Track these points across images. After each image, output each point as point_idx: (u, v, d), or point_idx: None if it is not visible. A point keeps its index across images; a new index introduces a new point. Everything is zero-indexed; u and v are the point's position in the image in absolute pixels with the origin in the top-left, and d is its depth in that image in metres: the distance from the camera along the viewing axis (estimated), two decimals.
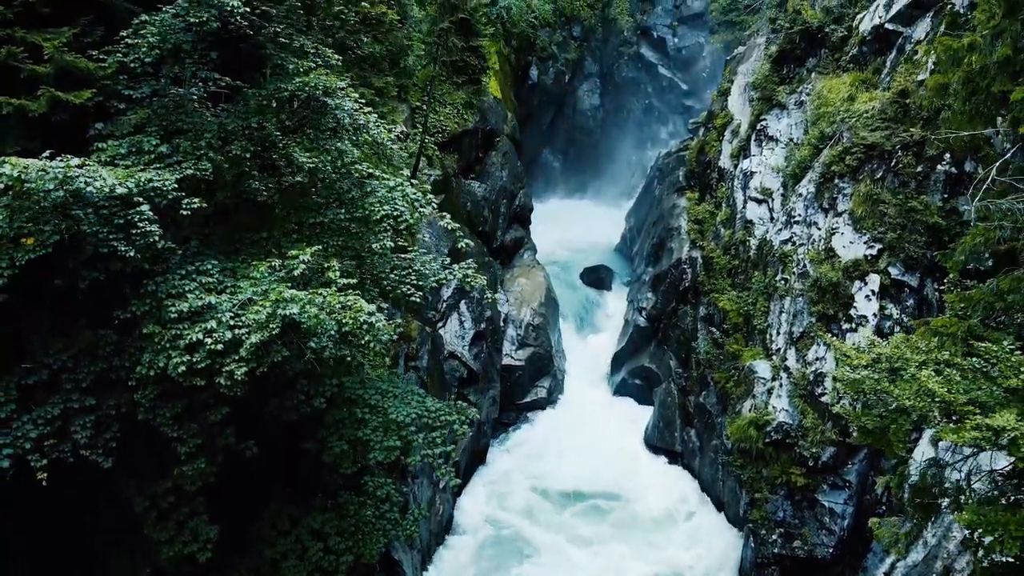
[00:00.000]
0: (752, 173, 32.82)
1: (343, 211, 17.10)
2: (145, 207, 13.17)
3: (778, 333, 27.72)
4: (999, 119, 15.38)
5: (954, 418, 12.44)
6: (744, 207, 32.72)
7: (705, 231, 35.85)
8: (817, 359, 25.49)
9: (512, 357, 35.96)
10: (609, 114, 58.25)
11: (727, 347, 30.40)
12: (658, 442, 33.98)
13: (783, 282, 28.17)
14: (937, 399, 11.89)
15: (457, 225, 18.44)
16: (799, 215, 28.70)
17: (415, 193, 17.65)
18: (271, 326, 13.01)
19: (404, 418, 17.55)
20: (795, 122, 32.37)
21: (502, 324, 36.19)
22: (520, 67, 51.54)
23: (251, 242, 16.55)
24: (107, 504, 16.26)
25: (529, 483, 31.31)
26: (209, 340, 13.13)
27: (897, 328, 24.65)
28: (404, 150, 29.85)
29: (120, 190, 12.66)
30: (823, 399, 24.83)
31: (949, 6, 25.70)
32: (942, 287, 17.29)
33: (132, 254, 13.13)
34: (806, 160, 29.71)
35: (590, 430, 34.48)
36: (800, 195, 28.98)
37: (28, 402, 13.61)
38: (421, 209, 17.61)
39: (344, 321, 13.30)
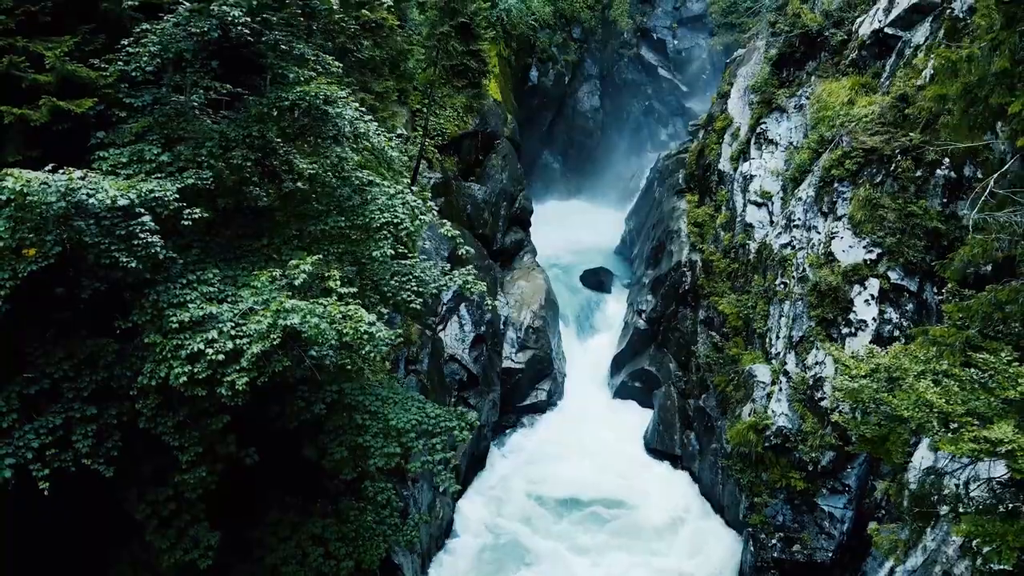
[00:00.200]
0: (752, 176, 32.84)
1: (343, 219, 17.16)
2: (147, 218, 13.23)
3: (777, 337, 27.76)
4: (999, 126, 15.42)
5: (952, 426, 12.49)
6: (744, 210, 32.75)
7: (705, 234, 35.87)
8: (816, 363, 25.53)
9: (512, 360, 35.98)
10: (609, 115, 58.24)
11: (727, 351, 30.45)
12: (658, 445, 34.02)
13: (783, 286, 28.20)
14: (935, 410, 11.94)
15: (457, 232, 18.50)
16: (799, 219, 28.73)
17: (416, 200, 17.71)
18: (272, 336, 13.06)
19: (404, 424, 17.60)
20: (795, 126, 32.40)
21: (502, 327, 36.23)
22: (520, 68, 51.59)
23: (252, 249, 16.61)
24: (107, 511, 16.31)
25: (529, 488, 31.30)
26: (210, 350, 13.18)
27: (897, 332, 24.71)
28: (404, 154, 29.91)
29: (122, 202, 12.71)
30: (822, 404, 24.87)
31: (948, 11, 25.71)
32: (941, 296, 17.31)
33: (134, 265, 13.18)
34: (806, 164, 29.73)
35: (590, 433, 34.48)
36: (800, 199, 29.02)
37: (30, 411, 13.68)
38: (422, 217, 17.67)
39: (345, 331, 13.35)
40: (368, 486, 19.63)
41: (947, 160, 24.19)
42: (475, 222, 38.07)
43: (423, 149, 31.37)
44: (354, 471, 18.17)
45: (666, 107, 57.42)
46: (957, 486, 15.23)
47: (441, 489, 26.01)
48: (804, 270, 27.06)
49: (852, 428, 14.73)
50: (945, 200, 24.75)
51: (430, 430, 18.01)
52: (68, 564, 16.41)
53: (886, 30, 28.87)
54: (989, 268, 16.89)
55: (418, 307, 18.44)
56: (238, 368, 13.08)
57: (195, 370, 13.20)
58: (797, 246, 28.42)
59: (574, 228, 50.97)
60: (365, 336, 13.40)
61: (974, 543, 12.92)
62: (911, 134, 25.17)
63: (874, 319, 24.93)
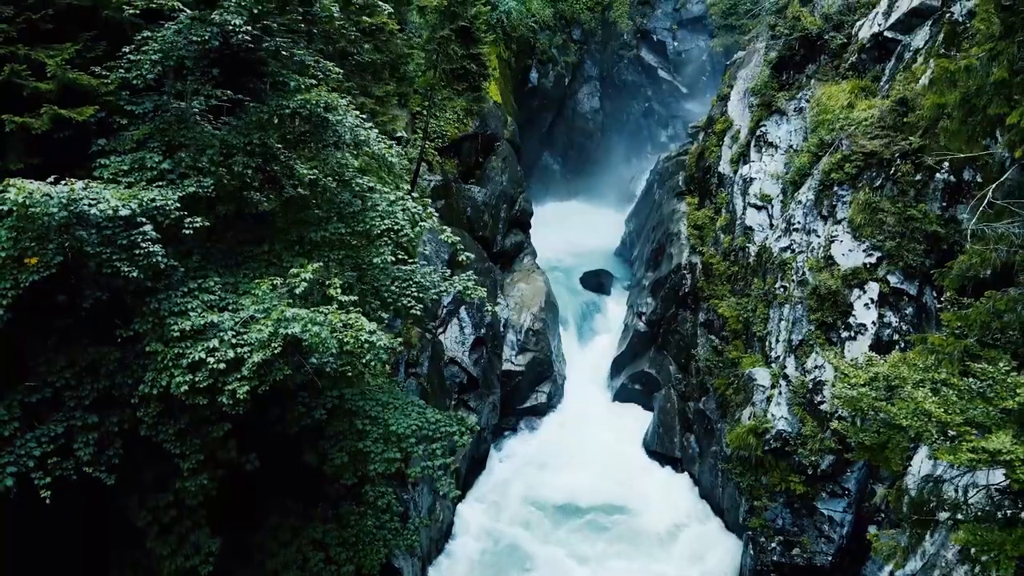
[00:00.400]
0: (752, 179, 32.87)
1: (343, 225, 17.20)
2: (148, 227, 13.27)
3: (777, 340, 27.79)
4: (998, 133, 15.45)
5: (951, 434, 12.53)
6: (743, 213, 32.78)
7: (705, 237, 35.90)
8: (816, 367, 25.55)
9: (512, 362, 36.00)
10: (609, 117, 58.24)
11: (726, 354, 30.46)
12: (657, 448, 34.05)
13: (782, 289, 28.23)
14: (933, 419, 11.98)
15: (458, 239, 18.54)
16: (798, 222, 28.76)
17: (416, 207, 17.74)
18: (273, 345, 13.10)
19: (404, 430, 17.65)
20: (794, 128, 32.42)
21: (502, 329, 36.26)
22: (520, 70, 51.62)
23: (252, 255, 16.66)
24: (108, 517, 16.35)
25: (528, 493, 31.31)
26: (211, 359, 13.23)
27: (896, 336, 24.75)
28: (404, 156, 29.94)
29: (124, 212, 12.76)
30: (822, 407, 24.90)
31: (948, 15, 25.74)
32: (941, 305, 17.35)
33: (135, 274, 13.22)
34: (805, 167, 29.76)
35: (590, 436, 34.50)
36: (799, 202, 29.05)
37: (31, 420, 13.72)
38: (422, 223, 17.71)
39: (346, 340, 13.39)
40: (369, 490, 19.68)
41: (946, 164, 24.23)
42: (475, 224, 38.10)
43: (423, 152, 31.39)
44: (354, 476, 18.20)
45: (666, 109, 57.42)
46: (956, 491, 15.28)
47: (441, 493, 26.09)
48: (804, 273, 27.09)
49: (851, 435, 14.77)
50: (945, 204, 24.79)
51: (430, 435, 18.06)
52: (69, 569, 16.44)
53: (886, 34, 28.92)
54: (988, 272, 16.91)
55: (419, 313, 18.48)
56: (239, 377, 13.13)
57: (196, 379, 13.24)
58: (797, 249, 28.44)
59: (574, 229, 50.95)
60: (366, 345, 13.44)
61: (972, 550, 12.96)
62: (911, 138, 25.21)
63: (873, 323, 24.96)
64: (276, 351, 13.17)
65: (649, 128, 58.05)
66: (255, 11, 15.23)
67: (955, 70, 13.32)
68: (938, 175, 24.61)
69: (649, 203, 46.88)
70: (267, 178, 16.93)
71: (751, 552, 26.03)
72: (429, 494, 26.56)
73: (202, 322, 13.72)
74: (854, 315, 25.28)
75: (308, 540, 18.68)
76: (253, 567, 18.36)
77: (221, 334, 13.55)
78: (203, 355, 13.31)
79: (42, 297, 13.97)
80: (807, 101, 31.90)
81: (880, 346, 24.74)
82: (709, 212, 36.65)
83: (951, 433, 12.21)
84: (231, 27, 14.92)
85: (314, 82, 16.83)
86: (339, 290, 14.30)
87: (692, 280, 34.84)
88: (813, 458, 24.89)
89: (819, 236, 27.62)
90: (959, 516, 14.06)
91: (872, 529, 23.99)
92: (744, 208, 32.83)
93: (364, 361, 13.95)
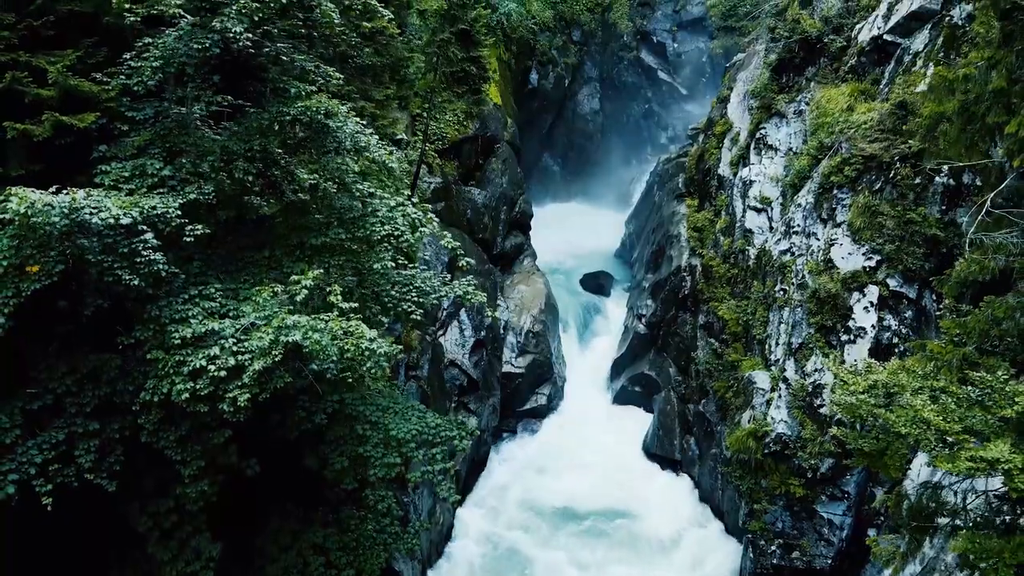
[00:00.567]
0: (751, 182, 32.89)
1: (343, 230, 17.22)
2: (149, 235, 13.31)
3: (777, 344, 27.82)
4: (996, 140, 15.47)
5: (949, 441, 12.57)
6: (743, 216, 32.81)
7: (704, 239, 35.93)
8: (816, 370, 25.58)
9: (512, 364, 36.03)
10: (609, 118, 58.24)
11: (726, 356, 30.49)
12: (657, 450, 34.08)
13: (782, 292, 28.26)
14: (932, 427, 12.02)
15: (458, 244, 18.59)
16: (798, 225, 28.79)
17: (416, 212, 17.78)
18: (274, 352, 13.13)
19: (404, 435, 17.68)
20: (794, 131, 32.44)
21: (502, 331, 36.29)
22: (520, 72, 51.63)
23: (253, 261, 16.69)
24: (109, 522, 16.39)
25: (528, 497, 31.32)
26: (212, 367, 13.26)
27: (896, 340, 24.78)
28: (404, 159, 29.98)
29: (125, 220, 12.80)
30: (822, 411, 24.93)
31: (947, 19, 25.77)
32: (940, 312, 17.39)
33: (136, 282, 13.25)
34: (805, 170, 29.79)
35: (590, 439, 34.52)
36: (799, 205, 29.08)
37: (33, 427, 13.76)
38: (422, 229, 17.74)
39: (346, 348, 13.42)
40: (369, 494, 19.71)
41: (946, 168, 24.23)
42: (475, 226, 38.12)
43: (423, 154, 31.42)
44: (355, 481, 18.25)
45: (666, 110, 57.43)
46: (956, 495, 15.31)
47: (442, 498, 26.18)
48: (803, 277, 27.12)
49: (851, 441, 14.81)
50: (944, 207, 24.84)
51: (430, 440, 18.10)
52: (69, 569, 16.44)
53: (885, 37, 28.92)
54: (988, 277, 16.93)
55: (419, 318, 18.52)
56: (240, 384, 13.16)
57: (197, 386, 13.29)
58: (796, 252, 28.48)
59: (574, 231, 50.93)
60: (366, 353, 13.47)
61: (971, 557, 12.99)
62: (910, 141, 25.22)
63: (873, 326, 24.99)
64: (277, 359, 13.20)
65: (649, 129, 58.07)
66: (256, 17, 15.24)
67: (953, 79, 13.35)
68: (937, 179, 24.64)
69: (649, 205, 46.89)
70: (267, 183, 16.97)
71: (751, 555, 26.07)
72: (429, 496, 26.60)
73: (203, 329, 13.76)
74: (854, 318, 25.31)
75: (308, 544, 18.72)
76: (254, 572, 18.40)
77: (222, 341, 13.58)
78: (204, 362, 13.34)
79: (43, 303, 14.00)
80: (807, 104, 31.92)
81: (880, 349, 24.78)
82: (709, 214, 36.68)
83: (950, 440, 12.24)
84: (232, 34, 14.94)
85: (314, 88, 16.85)
86: (339, 297, 14.33)
87: (692, 282, 34.87)
88: (813, 461, 24.93)
89: (819, 239, 27.66)
90: (958, 522, 14.10)
91: (872, 533, 24.04)
92: (744, 211, 32.85)
93: (365, 369, 13.96)
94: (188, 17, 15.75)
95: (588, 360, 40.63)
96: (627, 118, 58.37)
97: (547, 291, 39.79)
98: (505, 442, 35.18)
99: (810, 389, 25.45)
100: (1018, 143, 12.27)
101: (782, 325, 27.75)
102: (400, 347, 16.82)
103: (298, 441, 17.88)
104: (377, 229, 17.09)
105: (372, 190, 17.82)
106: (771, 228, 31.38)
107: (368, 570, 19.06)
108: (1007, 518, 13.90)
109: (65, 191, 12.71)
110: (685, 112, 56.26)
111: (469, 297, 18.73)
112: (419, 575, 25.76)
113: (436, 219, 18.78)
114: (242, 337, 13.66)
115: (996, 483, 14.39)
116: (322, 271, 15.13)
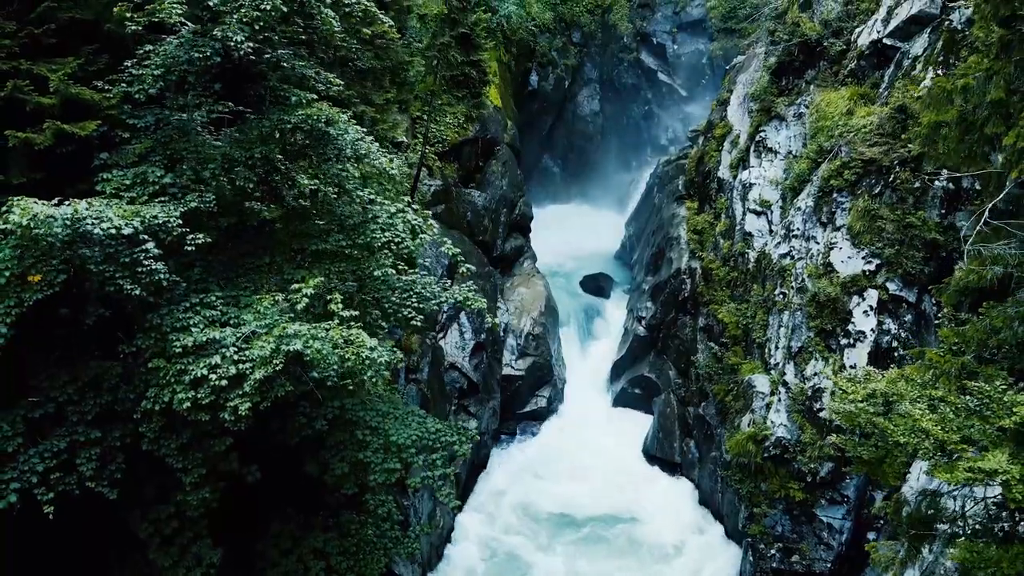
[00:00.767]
0: (751, 185, 32.91)
1: (344, 236, 17.26)
2: (150, 244, 13.35)
3: (776, 347, 27.86)
4: (996, 148, 15.50)
5: (948, 450, 12.61)
6: (743, 219, 32.84)
7: (704, 242, 35.96)
8: (815, 374, 25.62)
9: (512, 367, 36.07)
10: (609, 120, 58.22)
11: (726, 360, 30.53)
12: (657, 452, 34.13)
13: (782, 296, 28.30)
14: (930, 436, 12.06)
15: (458, 251, 18.61)
16: (798, 229, 28.83)
17: (416, 219, 17.82)
18: (275, 362, 13.17)
19: (404, 440, 17.72)
20: (794, 134, 32.47)
21: (502, 334, 36.32)
22: (520, 73, 51.63)
23: (254, 267, 16.72)
24: (110, 528, 16.43)
25: (528, 500, 31.33)
26: (213, 376, 13.31)
27: (895, 343, 24.82)
28: (405, 163, 30.02)
29: (127, 230, 12.84)
30: (821, 415, 24.97)
31: (947, 23, 25.81)
32: (939, 319, 17.41)
33: (138, 292, 13.29)
34: (804, 173, 29.82)
35: (590, 441, 34.55)
36: (799, 209, 29.12)
37: (35, 435, 13.80)
38: (422, 236, 17.79)
39: (347, 357, 13.46)
40: (369, 499, 19.72)
41: (945, 172, 24.26)
42: (475, 229, 38.16)
43: (423, 157, 31.46)
44: (355, 486, 18.29)
45: (666, 111, 57.43)
46: (955, 500, 15.35)
47: (442, 502, 26.27)
48: (803, 280, 27.17)
49: (850, 449, 14.85)
50: (943, 211, 24.90)
51: (430, 445, 18.15)
52: (69, 569, 16.49)
53: (885, 41, 28.94)
54: (985, 285, 16.95)
55: (419, 323, 18.56)
56: (241, 393, 13.21)
57: (198, 395, 13.32)
58: (796, 256, 28.52)
59: (574, 232, 50.89)
60: (367, 362, 13.51)
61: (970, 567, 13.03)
62: (909, 145, 25.26)
63: (872, 330, 25.04)
64: (278, 367, 13.25)
65: (649, 131, 58.07)
66: (256, 26, 15.28)
67: (952, 89, 13.39)
68: (937, 183, 24.70)
69: (649, 207, 46.90)
70: (268, 189, 17.01)
71: (751, 559, 26.13)
72: (429, 500, 26.65)
73: (204, 338, 13.80)
74: (853, 322, 25.36)
75: (309, 549, 18.75)
76: None
77: (223, 350, 13.63)
78: (205, 371, 13.38)
79: (44, 311, 14.04)
80: (806, 107, 31.94)
81: (879, 353, 24.84)
82: (709, 217, 36.71)
83: (948, 449, 12.28)
84: (233, 43, 14.98)
85: (315, 96, 16.89)
86: (340, 305, 14.36)
87: (692, 285, 34.90)
88: (812, 465, 24.99)
89: (818, 243, 27.70)
90: (957, 529, 14.14)
91: (872, 536, 24.11)
92: (744, 213, 32.88)
93: (366, 377, 13.99)
94: (189, 24, 15.80)
95: (588, 362, 40.67)
96: (627, 120, 58.37)
97: (547, 293, 39.83)
98: (505, 444, 35.23)
99: (810, 393, 25.51)
100: (1016, 154, 12.33)
101: (782, 329, 27.79)
102: (400, 352, 16.89)
103: (298, 447, 17.92)
104: (378, 236, 17.14)
105: (372, 196, 17.86)
106: (771, 231, 31.42)
107: (368, 574, 19.09)
108: (1005, 525, 13.95)
109: (67, 202, 12.75)
110: (685, 114, 56.28)
111: (469, 303, 18.78)
112: None
113: (436, 225, 18.80)
114: (243, 346, 13.70)
115: (994, 490, 14.44)
116: (323, 279, 15.16)
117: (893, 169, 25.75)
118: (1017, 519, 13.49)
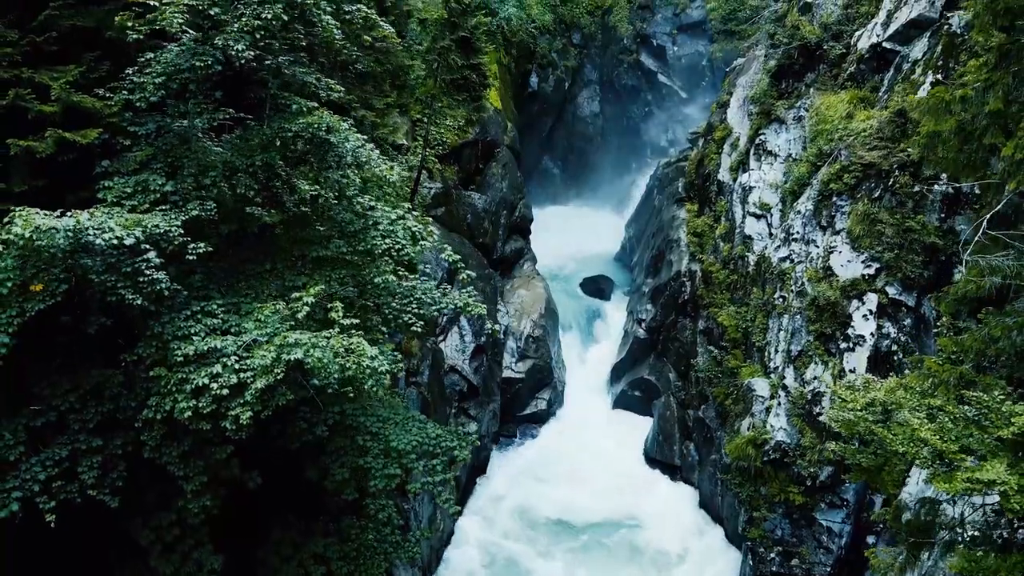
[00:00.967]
0: (751, 188, 32.96)
1: (344, 243, 17.30)
2: (152, 254, 13.38)
3: (776, 351, 27.89)
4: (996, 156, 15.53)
5: (947, 459, 12.64)
6: (743, 222, 32.89)
7: (704, 244, 36.00)
8: (815, 378, 25.67)
9: (512, 369, 36.10)
10: (609, 121, 58.24)
11: (726, 363, 30.58)
12: (657, 455, 34.17)
13: (781, 300, 28.34)
14: (929, 446, 12.10)
15: (458, 257, 18.67)
16: (797, 232, 28.87)
17: (417, 226, 17.87)
18: (276, 371, 13.21)
19: (405, 445, 17.74)
20: (794, 137, 32.52)
21: (502, 336, 36.35)
22: (520, 75, 51.62)
23: (255, 273, 16.76)
24: (111, 535, 16.46)
25: (527, 505, 31.32)
26: (215, 385, 13.34)
27: (895, 347, 24.86)
28: (405, 167, 30.05)
29: (128, 241, 12.88)
30: (821, 419, 25.00)
31: (946, 27, 25.83)
32: (938, 328, 17.46)
33: (139, 302, 13.33)
34: (804, 177, 29.86)
35: (589, 444, 34.55)
36: (798, 212, 29.16)
37: (36, 444, 13.83)
38: (422, 242, 17.83)
39: (348, 366, 13.50)
40: (369, 504, 19.76)
41: (944, 176, 24.31)
42: (475, 231, 38.21)
43: (424, 160, 31.50)
44: (355, 492, 18.33)
45: (666, 113, 57.41)
46: (953, 504, 15.39)
47: (443, 507, 26.26)
48: (803, 284, 27.20)
49: (849, 456, 14.90)
50: (943, 215, 24.93)
51: (431, 451, 18.19)
52: (69, 569, 16.53)
53: (884, 44, 28.99)
54: (984, 295, 16.98)
55: (419, 329, 18.60)
56: (242, 402, 13.24)
57: (199, 404, 13.36)
58: (796, 260, 28.56)
59: (574, 233, 50.84)
60: (367, 371, 13.55)
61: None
62: (908, 150, 25.31)
63: (872, 334, 25.08)
64: (279, 376, 13.28)
65: (649, 132, 58.07)
66: (257, 35, 15.32)
67: (950, 100, 13.43)
68: (936, 187, 24.72)
69: (649, 209, 46.91)
70: (269, 195, 17.04)
71: (750, 563, 26.18)
72: (430, 503, 26.67)
73: (205, 347, 13.83)
74: (853, 326, 25.40)
75: (310, 555, 18.78)
76: None
77: (224, 359, 13.66)
78: (206, 380, 13.41)
79: (46, 318, 14.06)
80: (806, 110, 31.99)
81: (879, 357, 24.89)
82: (708, 219, 36.76)
83: (947, 458, 12.32)
84: (234, 52, 15.02)
85: (315, 105, 16.93)
86: (340, 313, 14.40)
87: (692, 288, 34.95)
88: (812, 469, 25.03)
89: (818, 246, 27.74)
90: (956, 536, 14.18)
91: (871, 540, 24.17)
92: (743, 216, 32.93)
93: (367, 386, 14.03)
94: (191, 32, 15.83)
95: (588, 364, 40.70)
96: (627, 121, 58.37)
97: (547, 296, 39.85)
98: (505, 447, 35.25)
99: (809, 397, 25.55)
100: (1014, 165, 12.37)
101: (781, 332, 27.83)
102: (400, 355, 16.93)
103: (299, 452, 17.96)
104: (378, 242, 17.19)
105: (373, 203, 17.90)
106: (771, 234, 31.46)
107: None
108: (1004, 532, 14.00)
109: (69, 213, 12.78)
110: (685, 115, 56.25)
111: (470, 309, 18.83)
112: None
113: (436, 231, 18.86)
114: (244, 354, 13.74)
115: (993, 498, 14.49)
116: (323, 286, 15.20)
117: (892, 173, 25.79)
118: (1016, 527, 13.54)
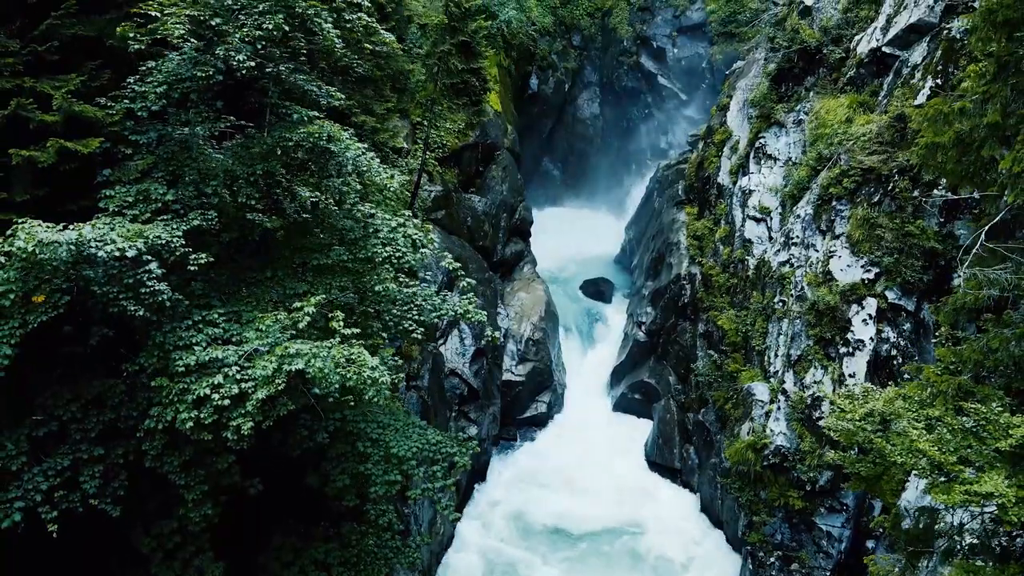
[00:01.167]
0: (751, 191, 33.01)
1: (344, 250, 17.35)
2: (153, 264, 13.42)
3: (776, 355, 27.94)
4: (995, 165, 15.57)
5: (944, 471, 12.69)
6: (743, 225, 32.93)
7: (704, 247, 36.03)
8: (815, 383, 25.70)
9: (512, 372, 36.13)
10: (609, 123, 58.29)
11: (726, 367, 30.62)
12: (657, 458, 34.22)
13: (781, 304, 28.38)
14: (927, 457, 12.14)
15: (459, 265, 18.72)
16: (797, 236, 28.91)
17: (417, 233, 17.91)
18: (277, 381, 13.26)
19: (405, 452, 17.81)
20: (793, 141, 32.55)
21: (502, 339, 36.39)
22: (520, 77, 51.65)
23: (255, 281, 16.80)
24: (112, 542, 16.51)
25: (526, 510, 31.31)
26: (216, 395, 13.38)
27: (894, 352, 24.89)
28: (406, 168, 30.11)
29: (131, 252, 12.92)
30: (820, 423, 25.01)
31: (946, 32, 25.87)
32: (937, 337, 17.49)
33: (141, 313, 13.38)
34: (804, 181, 29.90)
35: (590, 448, 34.54)
36: (798, 216, 29.20)
37: (38, 453, 13.88)
38: (423, 250, 17.89)
39: (348, 376, 13.55)
40: (370, 509, 19.81)
41: (944, 181, 24.33)
42: (475, 234, 38.24)
43: (424, 163, 31.55)
44: (356, 498, 18.38)
45: (666, 115, 57.45)
46: (952, 512, 15.44)
47: (443, 514, 26.29)
48: (802, 288, 27.24)
49: (848, 465, 14.95)
50: (942, 220, 24.95)
51: (431, 457, 18.24)
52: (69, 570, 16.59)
53: (884, 49, 29.00)
54: (982, 305, 17.02)
55: (420, 336, 18.67)
56: (243, 412, 13.28)
57: (201, 415, 13.40)
58: (795, 264, 28.60)
59: (574, 235, 50.91)
60: (368, 381, 13.60)
61: None
62: (909, 152, 25.31)
63: (871, 339, 25.11)
64: (280, 387, 13.33)
65: (649, 134, 58.11)
66: (258, 45, 15.38)
67: (949, 111, 13.48)
68: (936, 191, 24.74)
69: (649, 211, 46.96)
70: (270, 203, 17.10)
71: (750, 567, 26.23)
72: (430, 507, 26.73)
73: (207, 357, 13.87)
74: (852, 331, 25.43)
75: (311, 560, 18.83)
76: None
77: (225, 369, 13.70)
78: (208, 391, 13.45)
79: (47, 329, 14.10)
80: (806, 114, 32.03)
81: (878, 362, 24.93)
82: (708, 223, 36.78)
83: (945, 469, 12.35)
84: (235, 62, 15.07)
85: (316, 114, 16.98)
86: (341, 323, 14.44)
87: (691, 291, 34.99)
88: (811, 474, 25.06)
89: (818, 251, 27.77)
90: (954, 544, 14.23)
91: (871, 544, 24.20)
92: (743, 220, 32.98)
93: (367, 397, 14.07)
94: (193, 41, 15.88)
95: (588, 367, 40.71)
96: (627, 123, 58.41)
97: (547, 298, 39.88)
98: (505, 451, 35.27)
99: (809, 402, 25.58)
100: (1012, 178, 12.42)
101: (781, 336, 27.88)
102: (400, 359, 16.97)
103: (300, 459, 18.02)
104: (379, 250, 17.23)
105: (373, 211, 17.96)
106: (770, 238, 31.51)
107: None
108: (1003, 541, 14.04)
109: (72, 226, 12.83)
110: (685, 117, 56.29)
111: (470, 316, 18.89)
112: None
113: (436, 236, 18.91)
114: (245, 364, 13.78)
115: (991, 507, 14.54)
116: (324, 296, 15.24)
117: (892, 178, 25.83)
118: (1014, 535, 13.58)
